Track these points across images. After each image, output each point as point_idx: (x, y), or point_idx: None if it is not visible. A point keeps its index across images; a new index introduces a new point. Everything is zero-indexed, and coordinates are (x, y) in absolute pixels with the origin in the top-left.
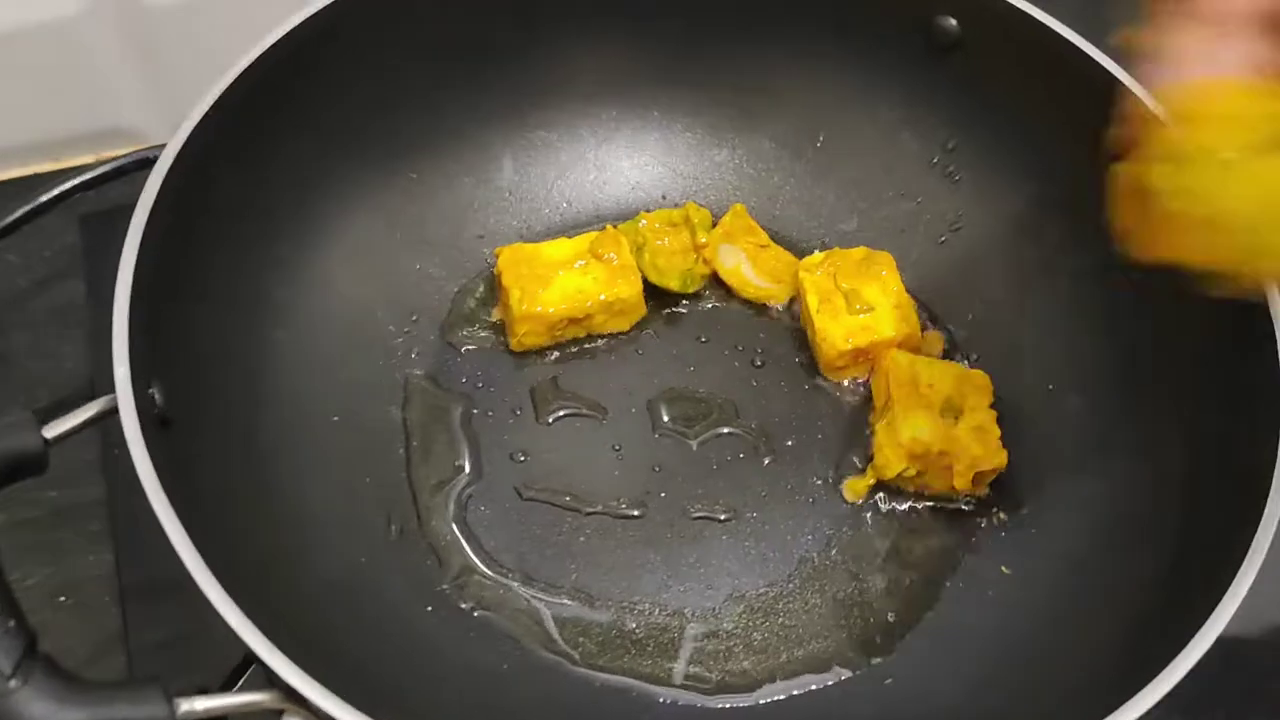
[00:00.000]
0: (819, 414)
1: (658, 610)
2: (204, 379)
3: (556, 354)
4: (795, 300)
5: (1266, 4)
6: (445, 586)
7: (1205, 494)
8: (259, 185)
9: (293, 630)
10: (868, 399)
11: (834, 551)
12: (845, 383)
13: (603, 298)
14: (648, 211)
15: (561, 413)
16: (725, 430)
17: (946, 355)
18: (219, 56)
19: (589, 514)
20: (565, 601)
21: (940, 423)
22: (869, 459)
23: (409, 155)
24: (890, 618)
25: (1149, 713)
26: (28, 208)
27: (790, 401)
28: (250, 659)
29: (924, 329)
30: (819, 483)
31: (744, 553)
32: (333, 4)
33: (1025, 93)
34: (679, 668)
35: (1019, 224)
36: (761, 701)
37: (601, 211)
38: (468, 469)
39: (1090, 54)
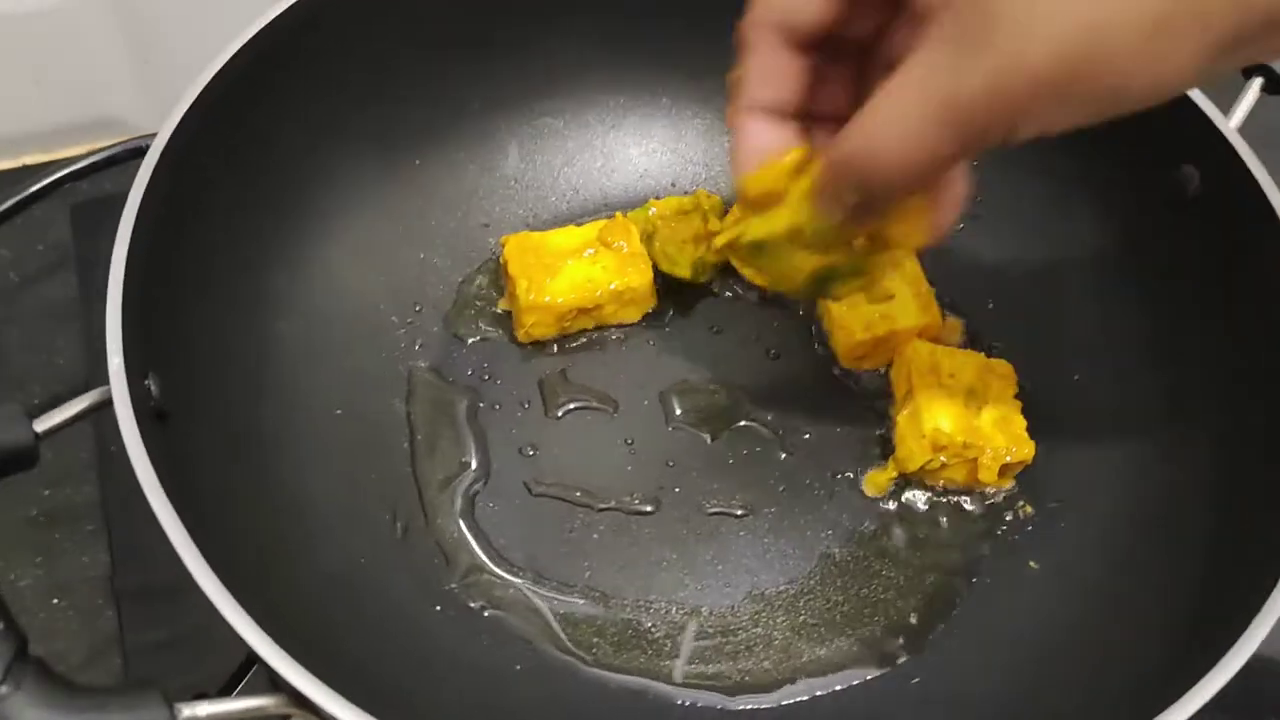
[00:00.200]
0: (837, 406)
1: (674, 609)
2: (201, 371)
3: (565, 345)
4: None
5: (778, 17)
6: (453, 585)
7: (1242, 477)
8: (256, 173)
9: (296, 631)
10: (887, 390)
11: (856, 547)
12: (864, 373)
13: (613, 287)
14: (657, 199)
15: (571, 406)
16: (741, 423)
17: (965, 344)
18: (211, 46)
19: (601, 510)
20: (578, 600)
21: (964, 413)
22: (890, 452)
23: (412, 142)
24: (915, 616)
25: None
26: (18, 197)
27: (807, 393)
28: (252, 661)
29: (943, 317)
30: (839, 477)
31: (763, 549)
32: None
33: None
34: (696, 668)
35: (1040, 209)
36: (784, 702)
37: (609, 199)
38: (475, 464)
39: None
